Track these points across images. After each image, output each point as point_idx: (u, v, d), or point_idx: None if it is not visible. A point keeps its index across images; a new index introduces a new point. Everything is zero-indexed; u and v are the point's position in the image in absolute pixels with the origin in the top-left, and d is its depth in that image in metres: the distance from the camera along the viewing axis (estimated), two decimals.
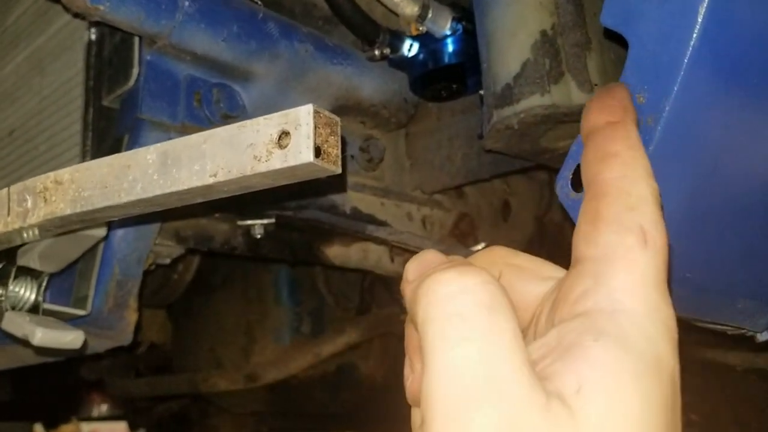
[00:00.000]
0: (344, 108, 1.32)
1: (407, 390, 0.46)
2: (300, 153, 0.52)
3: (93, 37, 1.24)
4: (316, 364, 1.85)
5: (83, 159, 1.20)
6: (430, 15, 1.15)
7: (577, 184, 0.64)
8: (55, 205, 0.64)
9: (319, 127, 0.53)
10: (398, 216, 1.44)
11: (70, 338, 0.80)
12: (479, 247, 1.40)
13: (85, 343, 0.84)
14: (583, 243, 0.42)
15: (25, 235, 0.71)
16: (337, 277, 1.96)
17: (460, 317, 0.37)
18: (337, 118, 0.55)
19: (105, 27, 1.20)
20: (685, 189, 0.64)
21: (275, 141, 0.53)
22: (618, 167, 0.43)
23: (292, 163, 0.52)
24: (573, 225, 0.65)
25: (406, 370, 0.46)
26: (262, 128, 0.54)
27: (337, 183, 1.23)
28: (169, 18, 1.05)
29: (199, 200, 0.61)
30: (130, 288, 1.07)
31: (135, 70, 1.13)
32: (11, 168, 1.41)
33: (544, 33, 1.00)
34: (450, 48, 1.23)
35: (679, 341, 0.38)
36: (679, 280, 0.73)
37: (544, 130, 1.03)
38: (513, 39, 1.01)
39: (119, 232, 1.04)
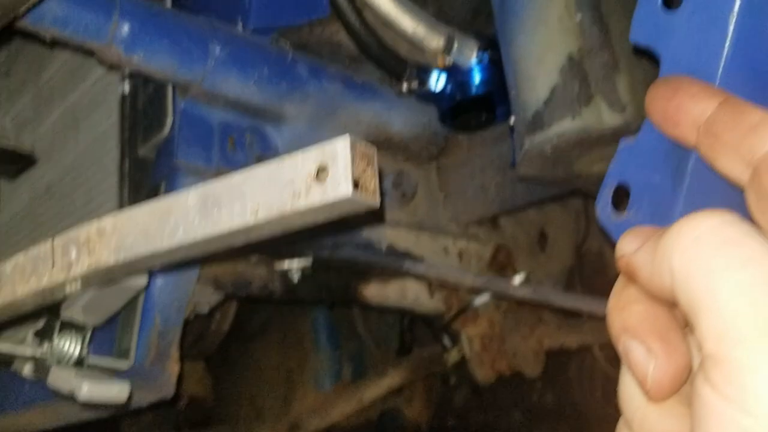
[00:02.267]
0: (375, 144, 1.31)
1: (652, 382, 0.39)
2: (338, 187, 0.52)
3: (126, 89, 1.27)
4: (360, 411, 1.82)
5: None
6: (455, 47, 1.15)
7: (618, 203, 0.63)
8: (98, 255, 0.64)
9: (356, 160, 0.52)
10: (434, 250, 1.43)
11: (116, 391, 0.80)
12: (519, 277, 1.37)
13: (129, 397, 0.84)
14: None
15: (68, 288, 0.71)
16: (376, 319, 1.95)
17: (732, 243, 0.34)
18: (374, 148, 0.55)
19: (138, 78, 1.22)
20: (727, 205, 0.62)
21: (313, 176, 0.53)
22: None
23: (330, 198, 0.52)
24: (614, 248, 0.63)
25: (638, 355, 0.40)
26: (299, 163, 0.54)
27: (375, 216, 1.22)
28: (201, 65, 1.07)
29: (240, 242, 0.61)
30: (172, 338, 1.07)
31: (169, 119, 1.15)
32: (50, 224, 1.43)
33: (570, 57, 1.00)
34: (477, 78, 1.24)
35: None
36: None
37: (577, 154, 1.01)
38: (540, 65, 1.00)
39: (159, 282, 1.05)
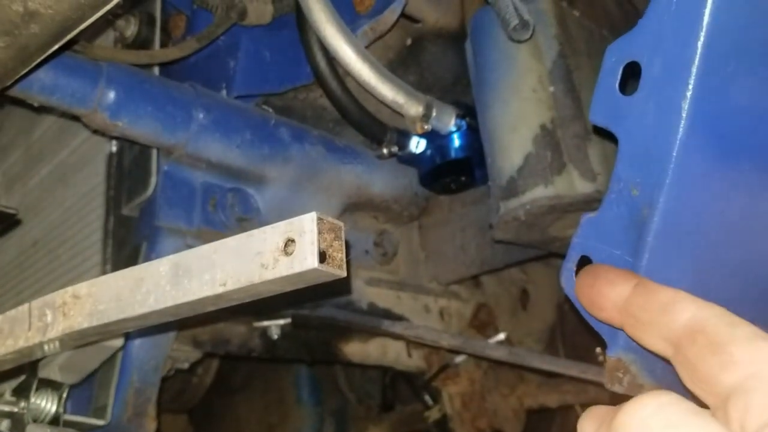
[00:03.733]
0: (357, 205, 1.35)
1: None
2: (305, 259, 0.54)
3: (114, 149, 1.29)
4: None
5: (104, 267, 1.23)
6: (434, 114, 1.19)
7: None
8: (73, 320, 0.66)
9: (323, 233, 0.55)
10: (415, 309, 1.45)
11: None
12: (500, 337, 1.39)
13: None
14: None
15: (46, 348, 0.73)
16: (358, 375, 1.94)
17: (674, 425, 0.37)
18: (341, 224, 0.57)
19: (125, 140, 1.25)
20: (688, 276, 0.65)
21: (281, 249, 0.55)
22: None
23: (297, 269, 0.54)
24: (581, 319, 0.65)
25: None
26: (268, 236, 0.56)
27: (341, 286, 1.24)
28: (184, 130, 1.10)
29: (210, 309, 0.63)
30: (149, 396, 1.08)
31: (153, 179, 1.17)
32: (35, 278, 1.44)
33: (543, 127, 1.04)
34: (456, 143, 1.27)
35: None
36: None
37: (551, 219, 1.04)
38: (514, 133, 1.04)
39: (137, 341, 1.06)
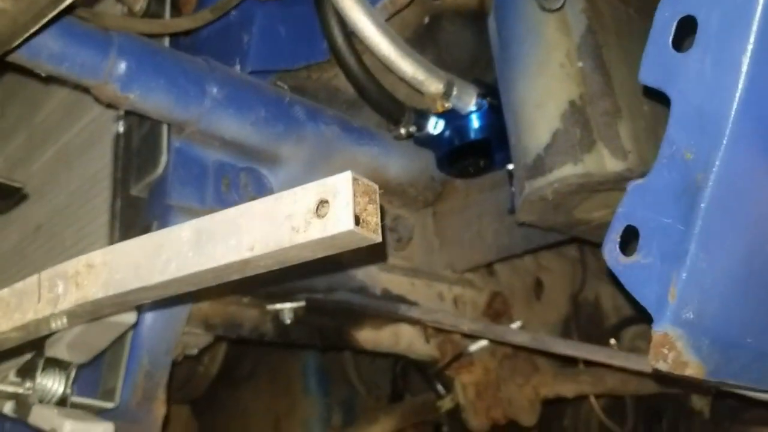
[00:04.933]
0: None
1: None
2: (339, 221, 0.50)
3: (121, 129, 1.25)
4: None
5: None
6: (455, 92, 1.16)
7: (626, 246, 0.62)
8: (87, 290, 0.62)
9: (357, 195, 0.51)
10: (429, 296, 1.41)
11: (100, 431, 0.76)
12: (515, 326, 1.35)
13: None
14: None
15: (53, 323, 0.69)
16: (367, 364, 1.91)
17: None
18: (376, 186, 0.53)
19: (133, 118, 1.22)
20: (741, 247, 0.61)
21: (313, 211, 0.52)
22: None
23: (331, 232, 0.50)
24: (621, 291, 0.61)
25: None
26: (299, 198, 0.53)
27: (376, 253, 1.20)
28: (197, 105, 1.06)
29: (235, 277, 0.59)
30: (159, 379, 1.04)
31: (163, 158, 1.13)
32: (38, 263, 1.40)
33: (572, 103, 1.00)
34: (475, 124, 1.23)
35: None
36: (739, 346, 0.68)
37: (578, 200, 1.01)
38: (541, 110, 1.00)
39: (148, 321, 1.02)
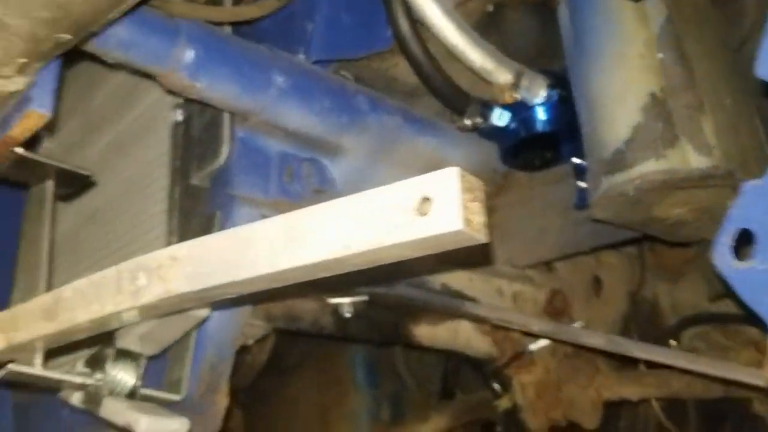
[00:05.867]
0: None
1: None
2: (445, 221, 0.47)
3: (180, 117, 1.24)
4: None
5: (169, 238, 1.18)
6: (524, 82, 1.12)
7: (740, 251, 0.58)
8: (170, 283, 0.61)
9: (462, 193, 0.48)
10: (488, 292, 1.38)
11: (175, 427, 0.75)
12: (578, 325, 1.31)
13: None
14: None
15: (125, 316, 0.68)
16: (417, 359, 1.88)
17: None
18: (481, 183, 0.50)
19: (193, 107, 1.20)
20: None
21: (415, 208, 0.49)
22: None
23: (435, 231, 0.48)
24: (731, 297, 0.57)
25: None
26: (399, 195, 0.50)
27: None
28: (262, 94, 1.05)
29: (323, 274, 0.57)
30: (222, 371, 1.03)
31: (225, 148, 1.12)
32: (92, 250, 1.40)
33: (653, 95, 0.95)
34: (543, 116, 1.19)
35: None
36: None
37: (658, 197, 0.96)
38: (621, 103, 0.96)
39: (214, 314, 1.01)
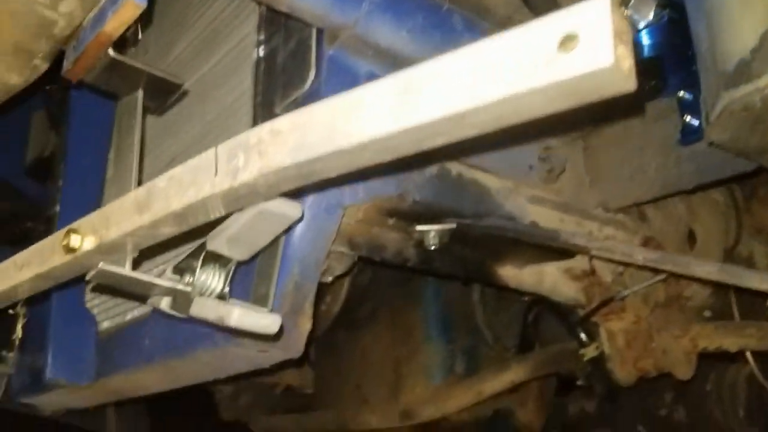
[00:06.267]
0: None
1: None
2: (593, 58, 0.42)
3: (261, 53, 1.22)
4: (474, 406, 1.70)
5: None
6: (632, 1, 1.04)
7: None
8: (271, 158, 0.57)
9: (612, 30, 0.42)
10: (579, 234, 1.31)
11: (268, 321, 0.73)
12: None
13: (279, 332, 0.76)
14: None
15: (220, 202, 0.64)
16: (495, 311, 1.82)
17: None
18: (628, 26, 0.44)
19: (277, 39, 1.17)
20: None
21: (555, 47, 0.43)
22: None
23: (583, 70, 0.42)
24: None
25: None
26: (534, 33, 0.45)
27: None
28: (355, 8, 1.00)
29: (440, 141, 0.52)
30: (307, 292, 1.00)
31: (311, 73, 1.08)
32: None
33: None
34: (648, 39, 1.11)
35: None
36: None
37: None
38: (746, 8, 0.88)
39: (299, 230, 0.98)
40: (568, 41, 0.43)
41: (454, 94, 0.47)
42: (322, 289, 1.42)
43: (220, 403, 2.51)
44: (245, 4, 1.27)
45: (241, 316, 0.70)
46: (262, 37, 1.22)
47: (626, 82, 0.43)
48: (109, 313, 1.49)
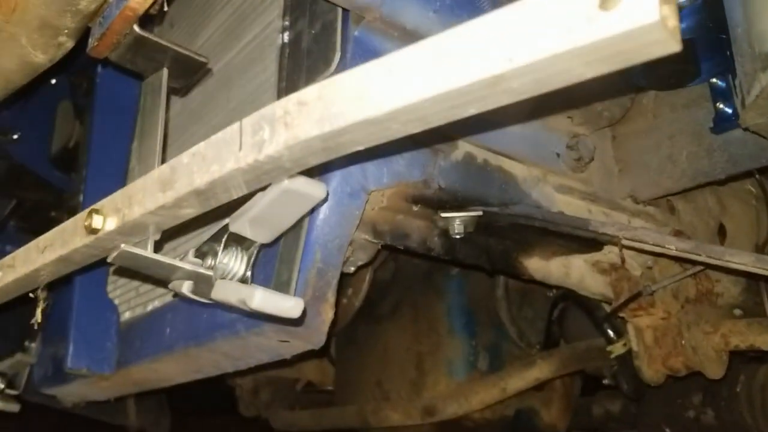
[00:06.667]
0: (552, 96, 1.19)
1: None
2: (638, 13, 0.39)
3: (286, 38, 1.21)
4: (497, 404, 1.67)
5: None
6: None
7: None
8: (298, 128, 0.55)
9: None
10: (609, 224, 1.28)
11: (291, 304, 0.71)
12: None
13: (302, 316, 0.75)
14: None
15: (232, 184, 0.63)
16: (519, 307, 1.80)
17: None
18: None
19: (302, 23, 1.16)
20: None
21: (597, 4, 0.41)
22: None
23: (626, 27, 0.40)
24: None
25: None
26: None
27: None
28: None
29: (475, 109, 0.50)
30: (330, 279, 0.98)
31: (337, 55, 1.07)
32: None
33: None
34: (681, 23, 1.08)
35: None
36: None
37: None
38: None
39: (322, 215, 0.96)
40: None
41: (488, 56, 0.45)
42: (343, 282, 1.42)
43: (241, 399, 2.50)
44: None
45: (263, 298, 0.69)
46: (287, 22, 1.21)
47: (671, 42, 0.41)
48: (131, 303, 1.49)
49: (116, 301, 1.51)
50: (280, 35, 1.22)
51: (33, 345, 1.77)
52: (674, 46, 0.41)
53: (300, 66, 1.16)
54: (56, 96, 1.91)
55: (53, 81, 1.92)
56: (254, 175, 0.62)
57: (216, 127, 1.36)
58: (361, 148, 0.56)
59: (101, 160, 1.60)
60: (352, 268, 1.21)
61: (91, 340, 1.49)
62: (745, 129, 0.93)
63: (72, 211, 1.59)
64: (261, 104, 1.22)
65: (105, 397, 1.77)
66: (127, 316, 1.48)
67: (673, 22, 0.41)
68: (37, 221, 1.97)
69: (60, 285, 1.40)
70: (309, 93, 0.56)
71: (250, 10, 1.35)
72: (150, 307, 1.41)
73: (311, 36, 1.15)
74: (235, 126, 0.62)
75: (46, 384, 1.68)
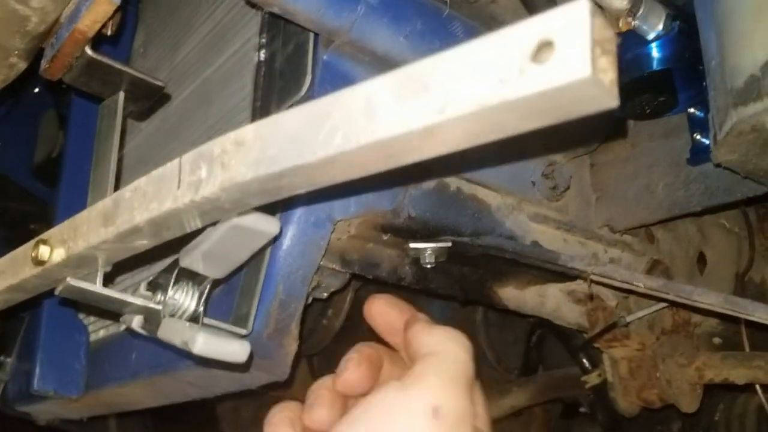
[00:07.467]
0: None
1: None
2: (570, 68, 0.37)
3: (263, 56, 1.19)
4: None
5: None
6: (641, 10, 0.99)
7: None
8: (234, 170, 0.53)
9: (593, 38, 0.38)
10: (583, 255, 1.25)
11: (236, 348, 0.68)
12: None
13: (249, 359, 0.72)
14: None
15: (184, 216, 0.60)
16: (499, 332, 1.77)
17: None
18: (612, 32, 0.40)
19: (277, 42, 1.14)
20: None
21: (530, 55, 0.39)
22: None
23: (554, 83, 0.38)
24: None
25: None
26: (510, 40, 0.40)
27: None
28: (350, 10, 0.96)
29: (413, 158, 0.47)
30: (293, 311, 0.96)
31: (307, 78, 1.05)
32: None
33: None
34: (658, 52, 1.06)
35: None
36: None
37: None
38: (758, 21, 0.82)
39: (285, 245, 0.94)
40: (544, 49, 0.39)
41: (425, 104, 0.43)
42: (324, 304, 1.37)
43: (222, 417, 2.47)
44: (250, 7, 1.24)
45: (206, 342, 0.66)
46: (263, 39, 1.19)
47: (607, 98, 0.38)
48: (100, 324, 1.46)
49: (86, 322, 1.48)
50: (257, 53, 1.20)
51: (8, 360, 1.74)
52: (611, 102, 0.39)
53: (273, 86, 1.14)
54: (41, 105, 1.89)
55: (36, 90, 1.90)
56: (193, 215, 0.60)
57: (194, 144, 1.35)
58: (302, 191, 0.54)
59: (76, 172, 1.57)
60: (325, 294, 1.18)
61: (59, 362, 1.46)
62: (717, 165, 0.91)
63: (50, 225, 1.56)
64: (239, 122, 1.22)
65: (78, 416, 1.74)
66: (97, 336, 1.45)
67: (610, 75, 0.39)
68: (21, 232, 1.94)
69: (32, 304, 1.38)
70: (246, 132, 0.54)
71: (230, 25, 1.33)
72: (120, 329, 1.38)
73: (284, 56, 1.13)
74: (175, 162, 0.60)
75: (20, 401, 1.64)
